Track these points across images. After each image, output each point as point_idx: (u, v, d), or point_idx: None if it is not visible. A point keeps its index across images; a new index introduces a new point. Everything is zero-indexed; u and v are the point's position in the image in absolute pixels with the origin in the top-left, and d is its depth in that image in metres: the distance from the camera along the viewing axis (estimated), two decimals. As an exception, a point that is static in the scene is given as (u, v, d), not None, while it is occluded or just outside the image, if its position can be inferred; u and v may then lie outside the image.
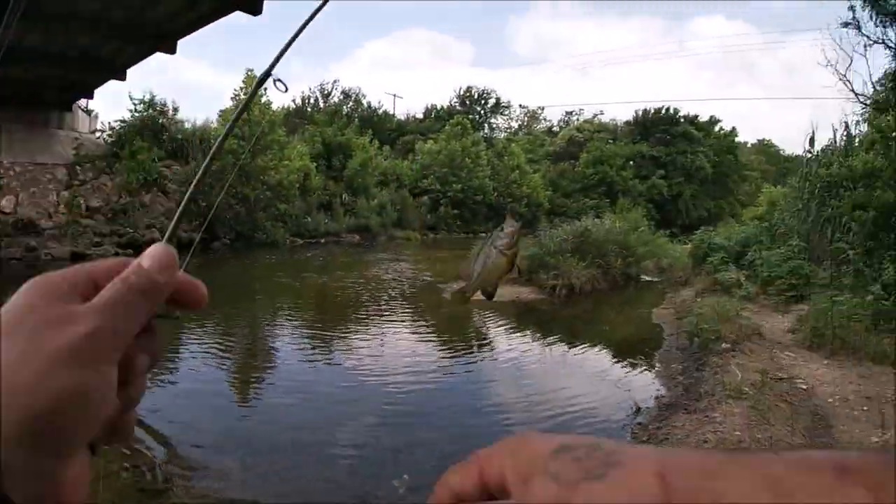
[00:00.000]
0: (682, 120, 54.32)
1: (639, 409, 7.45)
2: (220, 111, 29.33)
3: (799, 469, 0.36)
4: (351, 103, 51.78)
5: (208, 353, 9.63)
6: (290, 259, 23.10)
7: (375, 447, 6.34)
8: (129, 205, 23.88)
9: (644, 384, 8.82)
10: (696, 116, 55.17)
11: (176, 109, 28.60)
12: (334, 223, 30.84)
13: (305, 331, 11.41)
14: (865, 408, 7.03)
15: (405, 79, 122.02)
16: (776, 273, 13.48)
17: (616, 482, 0.37)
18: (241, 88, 27.00)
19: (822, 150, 16.99)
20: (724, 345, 9.22)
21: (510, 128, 66.20)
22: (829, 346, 9.20)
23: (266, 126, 26.26)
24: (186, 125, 28.87)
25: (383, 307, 14.21)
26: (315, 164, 31.98)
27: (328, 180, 33.32)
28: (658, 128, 53.89)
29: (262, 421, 7.08)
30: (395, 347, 10.55)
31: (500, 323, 13.04)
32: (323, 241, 28.99)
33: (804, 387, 7.69)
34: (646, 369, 9.68)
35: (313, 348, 10.42)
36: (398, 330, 11.80)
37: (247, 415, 7.41)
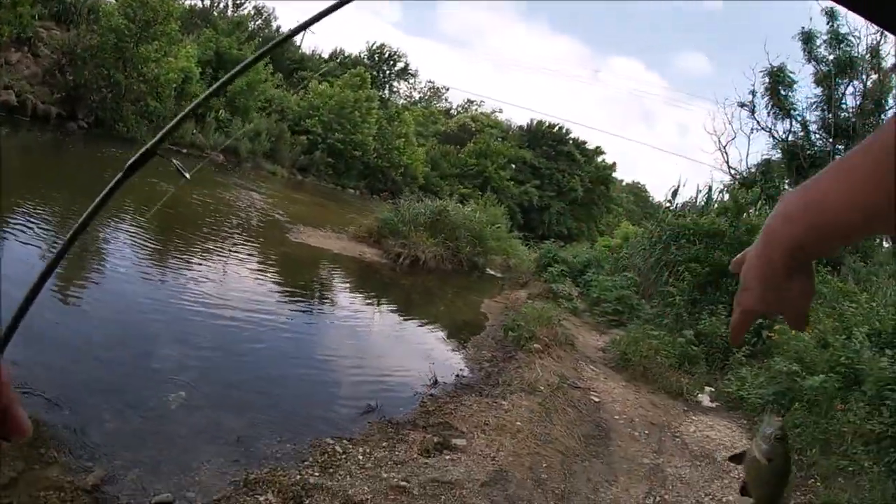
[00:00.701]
0: (570, 141, 55.91)
1: (436, 382, 7.41)
2: None
3: None
4: (259, 21, 49.49)
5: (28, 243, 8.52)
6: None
7: (164, 366, 5.87)
8: (-7, 59, 21.27)
9: (452, 362, 8.86)
10: (585, 142, 57.04)
11: None
12: (202, 136, 28.87)
13: (137, 239, 10.45)
14: (647, 432, 7.24)
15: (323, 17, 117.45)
16: (605, 296, 13.95)
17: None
18: None
19: (682, 203, 17.79)
20: (535, 345, 9.30)
21: (410, 97, 65.79)
22: (631, 371, 9.52)
23: (162, 13, 24.25)
24: None
25: (225, 234, 13.40)
26: (201, 70, 29.89)
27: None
28: (546, 141, 55.23)
29: (59, 319, 6.34)
30: (225, 278, 9.88)
31: (336, 277, 12.72)
32: (185, 151, 26.98)
33: (596, 399, 7.86)
34: (458, 350, 9.70)
35: (140, 259, 9.55)
36: (233, 262, 11.09)
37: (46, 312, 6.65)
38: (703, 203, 17.09)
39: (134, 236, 10.45)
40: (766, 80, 21.77)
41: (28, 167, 13.57)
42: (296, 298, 10.12)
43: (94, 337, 6.12)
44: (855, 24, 20.00)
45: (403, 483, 4.58)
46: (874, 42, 20.00)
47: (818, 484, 6.39)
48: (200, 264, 10.13)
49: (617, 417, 7.46)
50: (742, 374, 9.52)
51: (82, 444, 4.11)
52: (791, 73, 21.48)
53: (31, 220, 9.26)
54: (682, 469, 6.43)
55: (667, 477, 6.13)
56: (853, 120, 20.05)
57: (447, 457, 5.27)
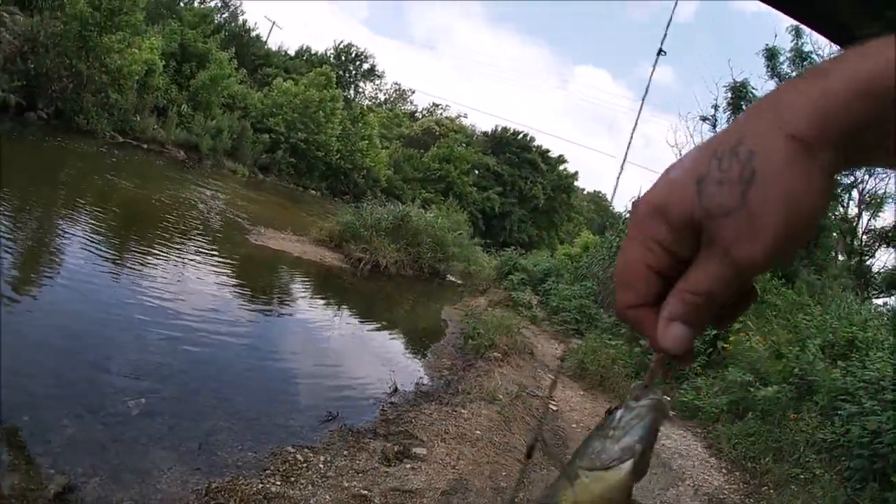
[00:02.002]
0: (534, 149, 56.21)
1: (396, 390, 7.42)
2: None
3: None
4: (226, 14, 48.90)
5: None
6: (106, 155, 20.95)
7: (123, 371, 5.78)
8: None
9: (412, 370, 8.87)
10: (548, 150, 57.41)
11: None
12: (163, 131, 28.33)
13: (93, 237, 10.19)
14: (603, 441, 7.31)
15: (291, 10, 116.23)
16: (565, 305, 14.09)
17: None
18: None
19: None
20: (495, 353, 9.38)
21: (376, 98, 65.53)
22: (589, 380, 9.64)
23: (128, 2, 23.63)
24: None
25: (184, 234, 13.15)
26: (164, 63, 29.34)
27: (172, 85, 30.74)
28: (510, 148, 55.48)
29: (15, 321, 6.20)
30: (183, 280, 9.67)
31: (297, 282, 12.63)
32: (146, 146, 26.45)
33: (554, 408, 7.94)
34: (418, 357, 9.71)
35: (96, 259, 9.34)
36: (192, 264, 10.88)
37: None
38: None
39: (90, 234, 10.22)
40: (729, 94, 22.08)
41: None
42: (255, 303, 10.01)
43: (51, 340, 5.98)
44: (818, 43, 20.40)
45: (365, 492, 4.59)
46: (836, 60, 20.44)
47: (771, 491, 6.57)
48: (158, 266, 9.92)
49: (574, 426, 7.57)
50: (697, 383, 9.72)
51: (43, 451, 4.04)
52: (754, 88, 21.81)
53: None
54: (637, 478, 6.53)
55: (623, 486, 6.23)
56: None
57: (408, 465, 5.29)
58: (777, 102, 0.50)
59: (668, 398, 9.58)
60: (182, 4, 43.19)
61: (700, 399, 9.17)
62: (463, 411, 6.84)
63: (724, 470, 7.30)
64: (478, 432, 6.29)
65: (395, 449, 5.50)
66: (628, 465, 0.53)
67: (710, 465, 7.41)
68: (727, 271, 0.49)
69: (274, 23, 58.36)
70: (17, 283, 7.05)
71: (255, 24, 58.72)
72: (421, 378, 8.39)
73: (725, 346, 10.45)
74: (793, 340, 9.44)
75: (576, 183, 60.96)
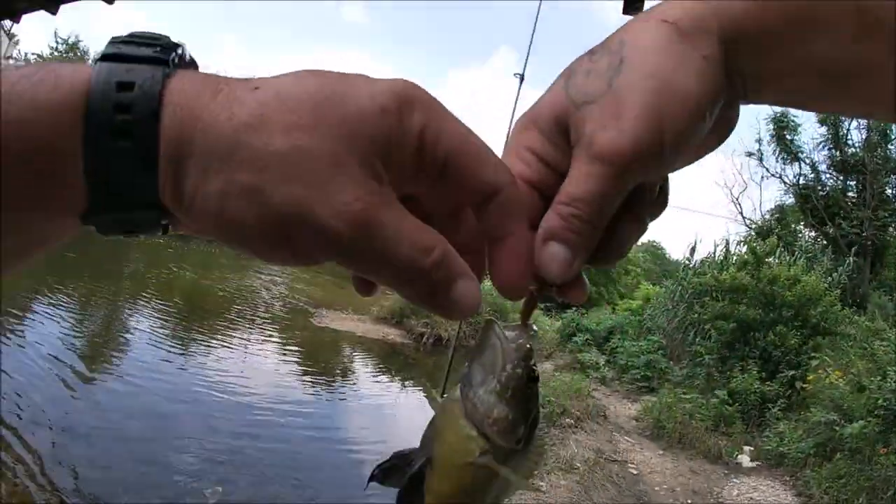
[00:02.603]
0: (575, 210, 55.91)
1: (470, 467, 7.29)
2: None
3: None
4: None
5: (61, 337, 8.73)
6: (165, 246, 21.67)
7: (199, 458, 5.95)
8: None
9: (484, 443, 8.71)
10: (590, 209, 56.93)
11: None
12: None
13: (161, 328, 10.61)
14: (689, 501, 7.14)
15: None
16: (633, 363, 13.85)
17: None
18: None
19: (701, 260, 17.76)
20: (567, 420, 9.26)
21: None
22: (667, 438, 9.41)
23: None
24: None
25: (249, 321, 13.51)
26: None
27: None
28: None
29: (91, 412, 6.50)
30: (252, 365, 9.94)
31: (362, 360, 12.76)
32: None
33: (635, 472, 7.78)
34: (490, 430, 9.58)
35: (166, 348, 9.71)
36: (259, 349, 11.17)
37: (80, 398, 6.82)
38: (721, 258, 17.06)
39: (157, 327, 10.59)
40: (771, 126, 21.87)
41: (55, 261, 13.86)
42: (324, 384, 10.13)
43: (127, 430, 6.18)
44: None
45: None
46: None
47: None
48: (226, 353, 10.22)
49: (657, 489, 7.39)
50: (780, 428, 9.42)
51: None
52: (795, 116, 21.58)
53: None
54: (729, 537, 6.35)
55: (715, 547, 6.06)
56: (861, 154, 20.06)
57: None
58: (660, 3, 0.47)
59: (750, 447, 9.31)
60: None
61: (784, 445, 8.86)
62: (541, 484, 6.76)
63: (818, 518, 7.02)
64: (558, 505, 6.21)
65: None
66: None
67: (804, 514, 7.14)
68: (595, 167, 0.43)
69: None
70: (89, 375, 7.36)
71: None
72: (495, 453, 8.30)
73: (805, 385, 10.15)
74: (873, 370, 9.08)
75: (626, 235, 60.22)
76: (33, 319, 8.99)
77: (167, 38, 0.41)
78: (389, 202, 0.39)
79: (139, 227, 0.40)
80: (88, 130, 0.36)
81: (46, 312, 9.29)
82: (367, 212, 0.37)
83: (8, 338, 7.98)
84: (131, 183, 0.37)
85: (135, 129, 0.36)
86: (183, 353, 9.63)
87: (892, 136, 19.83)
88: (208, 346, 10.48)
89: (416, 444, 0.51)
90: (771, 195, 36.93)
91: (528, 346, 0.48)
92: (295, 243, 0.38)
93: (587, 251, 0.46)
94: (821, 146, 21.45)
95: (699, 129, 0.44)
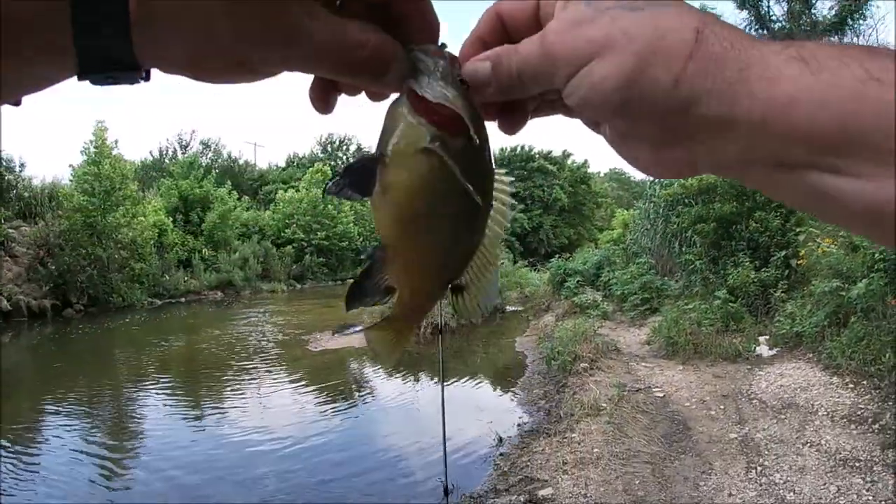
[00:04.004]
0: (536, 156, 56.04)
1: (501, 440, 7.19)
2: (71, 165, 26.92)
3: (832, 48, 0.38)
4: (210, 154, 50.27)
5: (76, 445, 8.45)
6: (151, 322, 21.40)
7: None
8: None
9: (508, 413, 8.63)
10: (550, 151, 57.20)
11: (23, 165, 25.93)
12: (195, 280, 29.06)
13: (175, 400, 10.41)
14: (722, 406, 7.07)
15: (268, 126, 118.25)
16: (629, 290, 13.79)
17: (648, 17, 0.41)
18: (91, 142, 25.11)
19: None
20: (581, 364, 9.14)
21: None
22: (682, 353, 9.33)
23: (118, 181, 24.58)
24: (35, 182, 26.05)
25: (247, 366, 13.28)
26: (172, 218, 30.34)
27: (186, 235, 31.45)
28: (515, 165, 55.32)
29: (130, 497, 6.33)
30: (265, 408, 9.76)
31: (368, 369, 12.58)
32: (184, 300, 27.07)
33: (661, 395, 7.68)
34: (510, 398, 9.49)
35: (179, 414, 9.51)
36: (266, 390, 10.95)
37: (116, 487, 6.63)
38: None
39: (168, 400, 10.39)
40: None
41: (40, 366, 13.58)
42: (338, 401, 9.98)
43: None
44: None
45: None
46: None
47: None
48: (241, 406, 10.03)
49: (688, 404, 7.29)
50: (788, 310, 9.35)
51: None
52: (713, 7, 21.53)
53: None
54: (770, 429, 6.26)
55: (759, 443, 5.96)
56: (787, 27, 20.01)
57: (540, 512, 5.10)
58: None
59: (765, 336, 9.24)
60: (167, 162, 44.66)
61: (797, 324, 8.79)
62: (573, 435, 6.62)
63: (850, 386, 6.93)
64: (596, 450, 6.07)
65: (522, 500, 5.32)
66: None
67: (835, 385, 7.05)
68: (539, 50, 0.46)
69: (256, 144, 59.42)
70: (119, 471, 7.15)
71: (240, 151, 60.20)
72: (520, 417, 8.17)
73: (799, 261, 10.10)
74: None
75: (589, 170, 60.45)
76: (49, 431, 8.75)
77: None
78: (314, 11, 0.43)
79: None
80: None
81: (61, 424, 9.03)
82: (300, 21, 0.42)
83: (35, 450, 7.85)
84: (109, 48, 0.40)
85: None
86: (200, 420, 9.42)
87: (815, -2, 19.80)
88: (221, 406, 10.23)
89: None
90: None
91: (449, 52, 0.50)
92: (253, 64, 0.44)
93: (502, 87, 0.49)
94: (748, 30, 21.40)
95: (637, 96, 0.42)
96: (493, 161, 0.52)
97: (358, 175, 0.50)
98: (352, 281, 0.55)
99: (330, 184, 0.50)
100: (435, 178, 0.48)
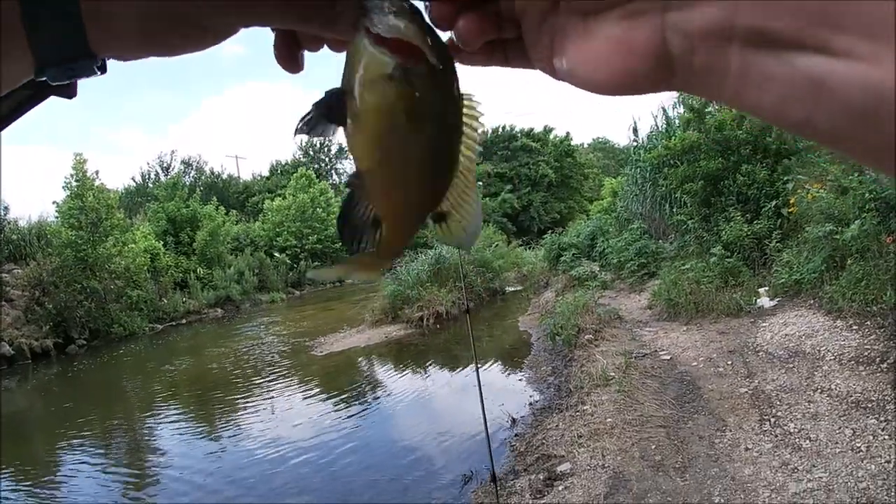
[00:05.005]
0: (519, 135, 56.00)
1: (514, 421, 7.20)
2: (55, 202, 26.79)
3: None
4: (193, 172, 50.16)
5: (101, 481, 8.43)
6: (155, 348, 21.35)
7: None
8: (-33, 321, 21.28)
9: (518, 393, 8.64)
10: (532, 129, 57.16)
11: (6, 208, 25.83)
12: (193, 300, 28.92)
13: (194, 425, 10.37)
14: (730, 362, 7.08)
15: (248, 138, 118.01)
16: (625, 256, 13.80)
17: None
18: (72, 175, 25.00)
19: (647, 136, 17.72)
20: (586, 336, 9.16)
21: (356, 169, 66.46)
22: (684, 313, 9.35)
23: (103, 211, 24.50)
24: (21, 223, 25.98)
25: (256, 380, 13.20)
26: (162, 241, 30.13)
27: (179, 256, 31.25)
28: (499, 146, 55.30)
29: None
30: (280, 420, 9.71)
31: (376, 366, 12.58)
32: (185, 321, 26.99)
33: (667, 357, 7.69)
34: (518, 378, 9.49)
35: (208, 441, 9.46)
36: (278, 402, 10.92)
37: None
38: (664, 126, 17.01)
39: (184, 424, 10.36)
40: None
41: (50, 407, 13.51)
42: (351, 402, 9.97)
43: None
44: None
45: (534, 537, 4.42)
46: None
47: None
48: (256, 421, 9.99)
49: (695, 364, 7.29)
50: (785, 259, 9.36)
51: None
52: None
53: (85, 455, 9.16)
54: (779, 379, 6.26)
55: (770, 395, 5.96)
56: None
57: (560, 487, 5.10)
58: None
59: (765, 288, 9.26)
60: (150, 186, 44.50)
61: (795, 272, 8.79)
62: (585, 407, 6.63)
63: (854, 327, 6.93)
64: (609, 420, 6.07)
65: (541, 477, 5.32)
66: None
67: (839, 328, 7.06)
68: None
69: (237, 157, 59.21)
70: (148, 500, 7.14)
71: (222, 166, 60.05)
72: (531, 396, 8.18)
73: (790, 210, 10.09)
74: (848, 169, 8.96)
75: (573, 143, 60.40)
76: (69, 467, 8.72)
77: None
78: None
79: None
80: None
81: (80, 461, 8.99)
82: None
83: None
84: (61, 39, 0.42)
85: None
86: (219, 439, 9.36)
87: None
88: (238, 423, 10.18)
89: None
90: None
91: None
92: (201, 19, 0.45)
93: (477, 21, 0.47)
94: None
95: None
96: (459, 87, 0.52)
97: (327, 108, 0.50)
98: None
99: (300, 124, 0.51)
100: (402, 105, 0.48)
